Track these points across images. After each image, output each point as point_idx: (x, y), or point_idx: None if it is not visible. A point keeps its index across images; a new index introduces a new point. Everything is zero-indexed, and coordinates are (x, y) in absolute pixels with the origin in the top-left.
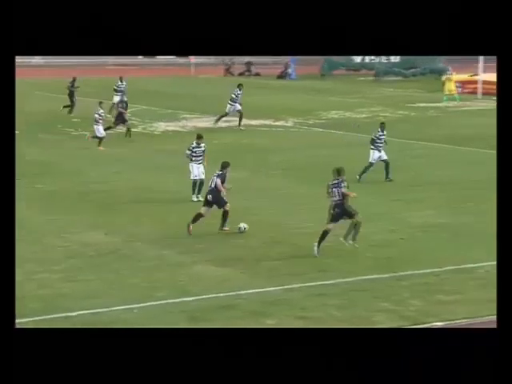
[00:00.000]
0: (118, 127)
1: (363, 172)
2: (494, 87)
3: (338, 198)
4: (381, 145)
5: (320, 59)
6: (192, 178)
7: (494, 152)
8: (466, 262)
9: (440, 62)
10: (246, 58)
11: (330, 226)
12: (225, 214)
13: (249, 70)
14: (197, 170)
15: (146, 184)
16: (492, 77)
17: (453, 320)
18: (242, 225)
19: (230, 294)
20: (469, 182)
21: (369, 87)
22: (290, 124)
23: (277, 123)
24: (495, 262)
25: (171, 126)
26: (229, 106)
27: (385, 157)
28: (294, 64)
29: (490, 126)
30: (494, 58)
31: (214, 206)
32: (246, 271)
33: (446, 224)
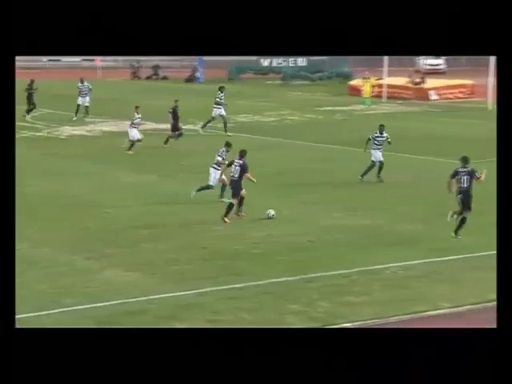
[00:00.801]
0: (176, 133)
1: (368, 170)
2: (399, 91)
3: (466, 185)
4: (379, 146)
5: (228, 63)
6: (211, 182)
7: (399, 154)
8: (373, 263)
9: (346, 65)
10: (154, 61)
11: (466, 214)
12: (240, 200)
13: (156, 74)
14: (214, 177)
15: (54, 189)
16: (396, 81)
17: (360, 321)
18: (271, 212)
19: (141, 299)
20: (376, 185)
21: (277, 91)
22: (198, 127)
23: (185, 127)
24: (402, 263)
25: (77, 131)
26: (214, 110)
27: (380, 158)
28: (202, 67)
29: (394, 129)
30: (399, 61)
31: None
32: (156, 276)
33: (354, 226)
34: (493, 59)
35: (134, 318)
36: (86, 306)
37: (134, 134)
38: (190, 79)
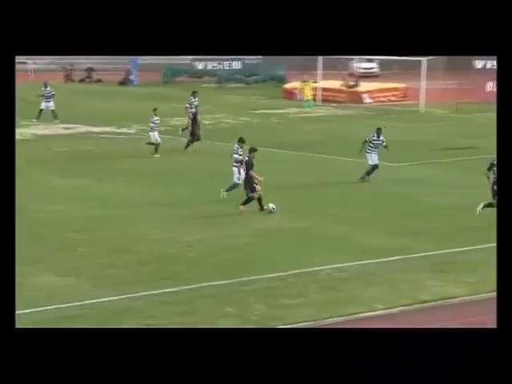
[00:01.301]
0: (195, 138)
1: (369, 173)
2: (333, 94)
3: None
4: (375, 149)
5: (163, 66)
6: (235, 180)
7: (333, 157)
8: (308, 265)
9: (280, 69)
10: (87, 64)
11: (493, 200)
12: (259, 200)
13: (90, 77)
14: (236, 175)
15: None
16: (330, 84)
17: (296, 323)
18: (271, 205)
19: (75, 304)
20: (314, 187)
21: (212, 94)
22: (133, 131)
23: (119, 130)
24: (337, 265)
25: None
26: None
27: (376, 162)
28: (137, 70)
29: (329, 132)
30: (333, 65)
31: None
32: (90, 280)
33: (289, 228)
34: (425, 62)
35: (68, 323)
36: (18, 312)
37: (156, 136)
38: (124, 82)
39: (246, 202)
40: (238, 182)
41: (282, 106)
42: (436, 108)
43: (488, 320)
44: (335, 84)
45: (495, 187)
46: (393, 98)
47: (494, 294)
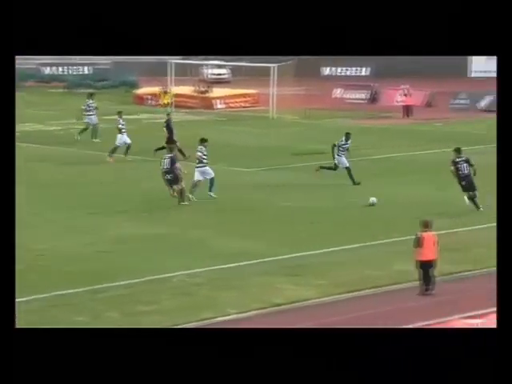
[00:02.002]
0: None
1: (351, 177)
2: (184, 100)
3: (466, 171)
4: (343, 152)
5: None
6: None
7: (187, 163)
8: (161, 271)
9: (131, 74)
10: None
11: (466, 195)
12: (181, 193)
13: None
14: (207, 172)
15: None
16: (182, 89)
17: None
18: (372, 199)
19: None
20: (167, 193)
21: (60, 99)
22: (77, 137)
23: None
24: (190, 271)
25: None
26: (89, 117)
27: (346, 164)
28: None
29: (182, 138)
30: (183, 70)
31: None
32: None
33: (144, 235)
34: (274, 68)
35: None
36: None
37: (125, 139)
38: None
39: (182, 194)
40: (198, 179)
41: (133, 112)
42: (286, 114)
43: (339, 321)
44: (187, 90)
45: (463, 183)
46: (244, 104)
47: (345, 295)
